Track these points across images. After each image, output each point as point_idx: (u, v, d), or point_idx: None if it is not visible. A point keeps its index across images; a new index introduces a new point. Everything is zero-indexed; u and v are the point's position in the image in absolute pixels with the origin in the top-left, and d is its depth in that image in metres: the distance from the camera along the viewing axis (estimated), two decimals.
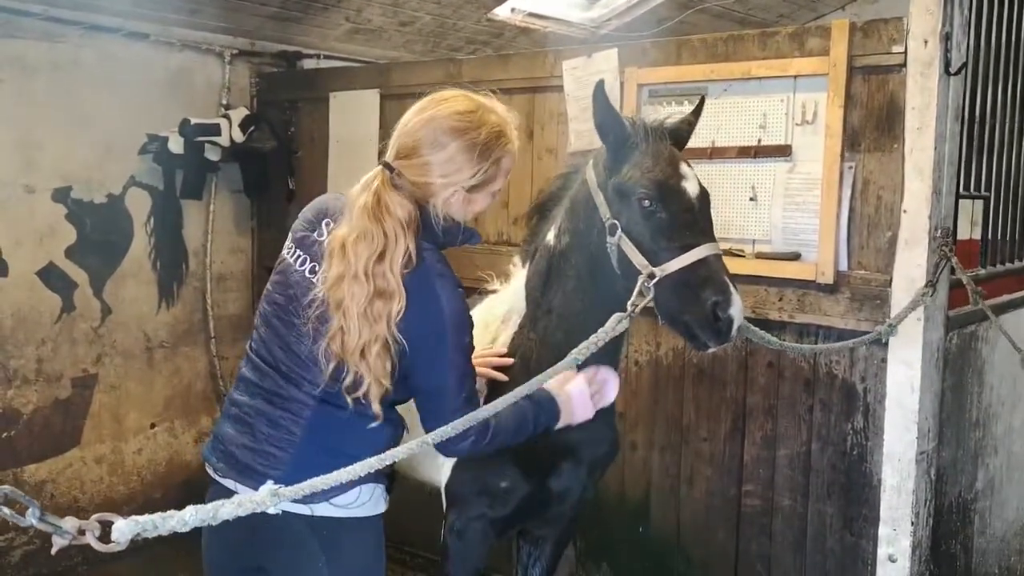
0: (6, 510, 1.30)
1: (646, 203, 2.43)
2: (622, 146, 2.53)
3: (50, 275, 4.50)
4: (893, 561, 3.19)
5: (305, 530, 2.23)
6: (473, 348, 2.27)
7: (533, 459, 2.74)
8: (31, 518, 1.32)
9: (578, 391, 2.47)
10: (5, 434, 4.37)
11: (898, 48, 3.14)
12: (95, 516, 1.41)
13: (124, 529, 1.40)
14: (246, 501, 1.62)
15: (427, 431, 2.08)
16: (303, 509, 2.19)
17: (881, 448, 3.23)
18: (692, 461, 3.79)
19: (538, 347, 2.71)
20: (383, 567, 2.36)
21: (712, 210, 2.57)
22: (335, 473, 1.74)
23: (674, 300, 2.40)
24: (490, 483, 2.77)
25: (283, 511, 2.20)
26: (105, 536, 1.42)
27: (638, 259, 2.41)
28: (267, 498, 1.63)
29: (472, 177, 2.20)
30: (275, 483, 2.17)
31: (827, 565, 3.47)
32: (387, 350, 2.11)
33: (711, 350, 2.45)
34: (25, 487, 4.43)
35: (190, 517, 1.51)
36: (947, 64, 3.06)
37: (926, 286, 3.07)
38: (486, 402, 2.31)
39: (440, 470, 2.94)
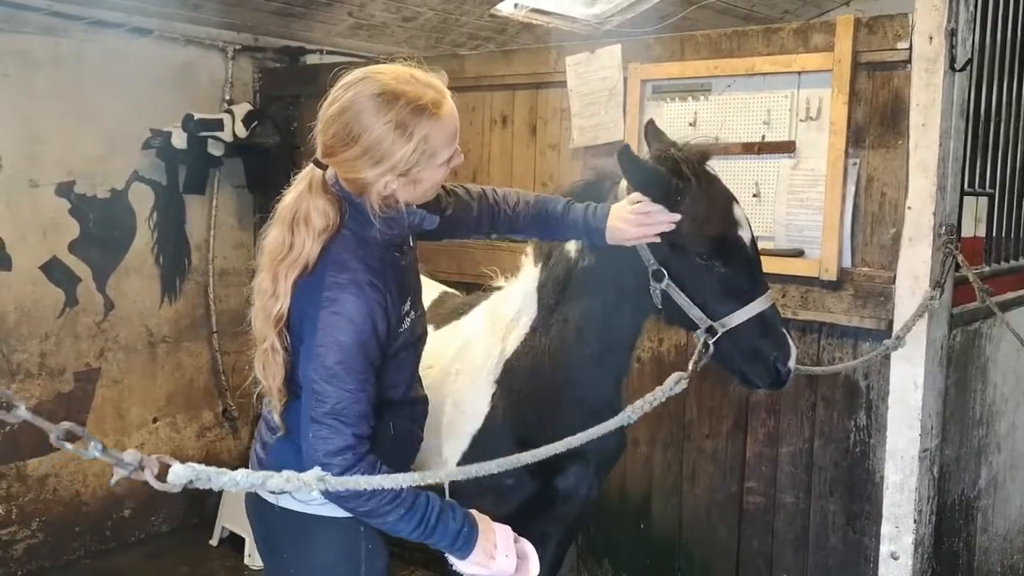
0: (69, 445, 1.34)
1: (704, 258, 2.36)
2: (669, 198, 2.38)
3: (53, 269, 4.50)
4: (895, 559, 3.19)
5: (277, 520, 2.25)
6: (366, 365, 2.06)
7: (539, 460, 2.72)
8: (94, 451, 1.35)
9: (503, 537, 2.21)
10: (8, 427, 4.37)
11: (903, 44, 3.12)
12: (155, 456, 1.43)
13: (181, 473, 1.42)
14: (294, 478, 1.61)
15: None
16: (270, 498, 2.22)
17: (884, 445, 3.22)
18: (694, 458, 3.78)
19: (552, 354, 2.67)
20: (360, 572, 2.26)
21: None
22: (377, 477, 1.73)
23: (734, 353, 2.38)
24: (496, 481, 2.75)
25: (260, 498, 2.25)
26: (161, 477, 1.43)
27: (694, 312, 2.36)
28: (313, 480, 1.62)
29: (402, 161, 2.02)
30: (261, 469, 2.24)
31: (829, 562, 3.47)
32: (277, 356, 2.11)
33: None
34: (28, 481, 4.45)
35: (241, 479, 1.51)
36: (952, 60, 3.04)
37: (933, 288, 3.05)
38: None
39: (444, 466, 2.94)
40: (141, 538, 4.89)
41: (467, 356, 2.91)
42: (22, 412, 1.29)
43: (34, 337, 4.46)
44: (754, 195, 3.50)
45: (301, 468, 2.11)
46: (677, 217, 2.35)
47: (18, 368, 4.40)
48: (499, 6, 5.47)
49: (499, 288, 2.98)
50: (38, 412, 4.55)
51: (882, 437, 3.24)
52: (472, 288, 3.45)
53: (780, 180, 3.45)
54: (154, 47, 4.79)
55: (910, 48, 3.10)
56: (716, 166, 3.56)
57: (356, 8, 5.07)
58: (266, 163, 5.06)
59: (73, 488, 4.63)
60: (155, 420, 5.02)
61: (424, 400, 2.48)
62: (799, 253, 3.41)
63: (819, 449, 3.46)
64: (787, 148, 3.43)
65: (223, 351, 5.25)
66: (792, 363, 2.36)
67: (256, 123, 5.00)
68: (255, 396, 2.31)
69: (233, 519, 4.71)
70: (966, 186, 3.42)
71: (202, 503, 5.07)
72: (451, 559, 2.18)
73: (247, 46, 5.22)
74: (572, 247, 2.65)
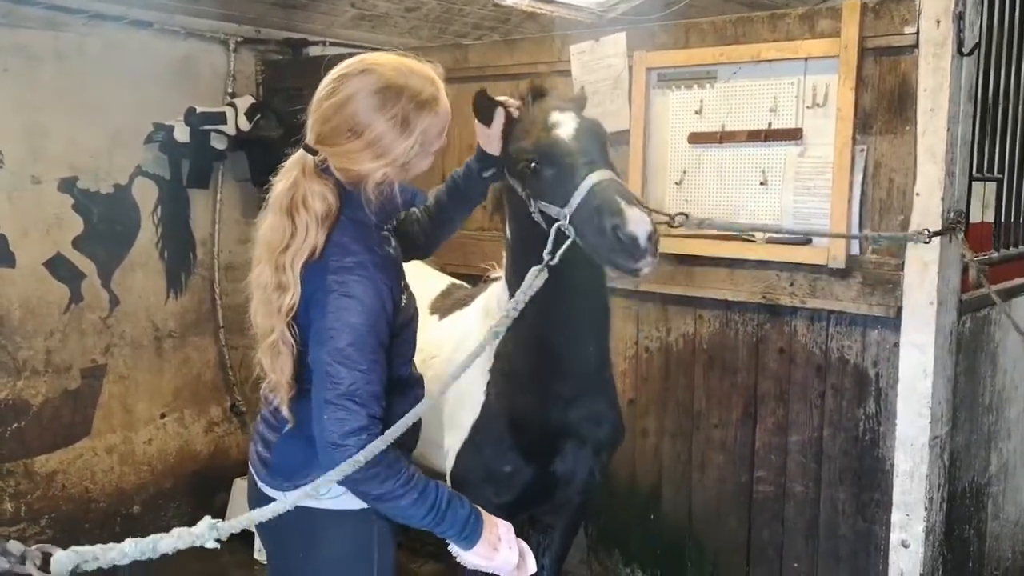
0: None
1: (533, 166, 2.42)
2: (486, 119, 2.53)
3: (57, 266, 4.49)
4: (906, 547, 3.18)
5: (288, 518, 2.23)
6: (377, 345, 2.08)
7: (534, 442, 2.76)
8: None
9: (507, 531, 2.22)
10: (15, 425, 4.37)
11: (910, 29, 3.09)
12: (36, 546, 1.39)
13: (63, 560, 1.40)
14: (185, 534, 1.61)
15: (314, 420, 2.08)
16: (279, 495, 2.21)
17: (894, 433, 3.21)
18: (703, 448, 3.77)
19: (532, 334, 2.69)
20: (373, 565, 2.27)
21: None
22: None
23: (586, 237, 2.32)
24: (494, 469, 2.81)
25: (267, 497, 2.25)
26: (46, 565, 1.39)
27: (554, 211, 2.38)
28: (205, 531, 1.63)
29: (402, 155, 2.11)
30: (265, 468, 2.25)
31: (840, 551, 3.46)
32: (286, 348, 2.10)
33: (644, 272, 2.31)
34: (36, 478, 4.45)
35: (130, 549, 1.51)
36: (960, 44, 3.01)
37: (922, 231, 3.01)
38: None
39: (446, 457, 2.96)
40: (151, 534, 4.88)
41: (466, 347, 2.91)
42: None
43: (39, 334, 4.45)
44: (761, 183, 3.48)
45: (311, 461, 2.11)
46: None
47: (24, 365, 4.40)
48: None
49: (496, 279, 3.01)
50: (45, 409, 4.53)
51: (892, 425, 3.23)
52: (479, 280, 3.45)
53: (787, 167, 3.43)
54: (155, 40, 4.77)
55: (917, 32, 3.07)
56: (723, 153, 3.58)
57: None
58: (270, 156, 4.99)
59: (82, 484, 4.63)
60: (163, 416, 5.01)
61: (421, 382, 2.49)
62: (807, 241, 3.39)
63: (829, 438, 3.44)
64: (794, 135, 3.40)
65: (230, 345, 5.25)
66: (633, 227, 2.22)
67: (259, 116, 4.99)
68: (263, 392, 2.31)
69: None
70: (974, 171, 3.40)
71: (211, 499, 5.07)
72: (455, 550, 2.19)
73: (249, 38, 5.19)
74: (507, 229, 2.72)
